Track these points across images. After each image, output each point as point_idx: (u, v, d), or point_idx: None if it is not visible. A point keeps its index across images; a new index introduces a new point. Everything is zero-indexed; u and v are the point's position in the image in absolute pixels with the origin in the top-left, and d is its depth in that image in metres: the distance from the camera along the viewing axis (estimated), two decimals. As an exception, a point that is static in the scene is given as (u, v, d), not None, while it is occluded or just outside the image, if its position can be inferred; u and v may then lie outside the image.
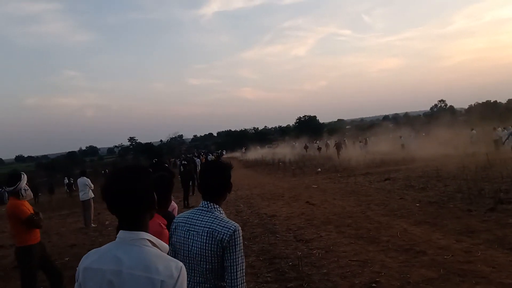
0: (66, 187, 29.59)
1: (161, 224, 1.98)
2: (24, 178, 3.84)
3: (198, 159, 23.79)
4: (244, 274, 1.67)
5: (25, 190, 3.80)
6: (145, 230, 1.24)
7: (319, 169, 20.53)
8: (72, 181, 27.89)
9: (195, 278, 1.72)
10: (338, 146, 30.36)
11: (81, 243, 7.99)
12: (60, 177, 41.16)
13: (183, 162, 15.04)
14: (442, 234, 5.76)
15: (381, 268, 4.58)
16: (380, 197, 9.64)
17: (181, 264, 1.20)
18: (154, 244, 1.23)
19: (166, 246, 1.29)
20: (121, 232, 1.22)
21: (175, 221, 1.83)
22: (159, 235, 1.53)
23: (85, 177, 10.26)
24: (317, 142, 44.49)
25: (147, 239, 1.22)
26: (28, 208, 3.85)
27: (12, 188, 3.74)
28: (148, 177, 1.28)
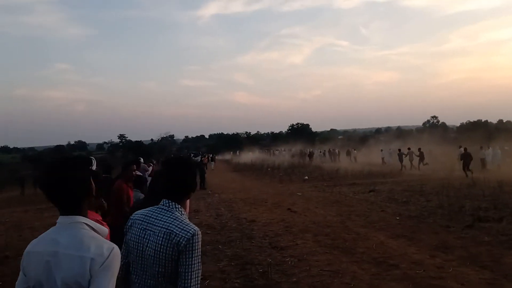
0: None
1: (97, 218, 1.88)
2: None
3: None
4: (199, 282, 1.56)
5: None
6: (83, 215, 1.32)
7: (306, 177, 20.48)
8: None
9: (146, 281, 1.60)
10: (310, 155, 36.14)
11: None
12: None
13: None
14: (418, 248, 5.72)
15: (351, 279, 4.49)
16: (361, 208, 9.59)
17: (114, 245, 1.28)
18: (92, 228, 1.32)
19: (104, 229, 1.37)
20: (60, 217, 1.31)
21: (131, 218, 1.71)
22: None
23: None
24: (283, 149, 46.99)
25: (85, 223, 1.30)
26: None
27: None
28: (84, 167, 1.36)
